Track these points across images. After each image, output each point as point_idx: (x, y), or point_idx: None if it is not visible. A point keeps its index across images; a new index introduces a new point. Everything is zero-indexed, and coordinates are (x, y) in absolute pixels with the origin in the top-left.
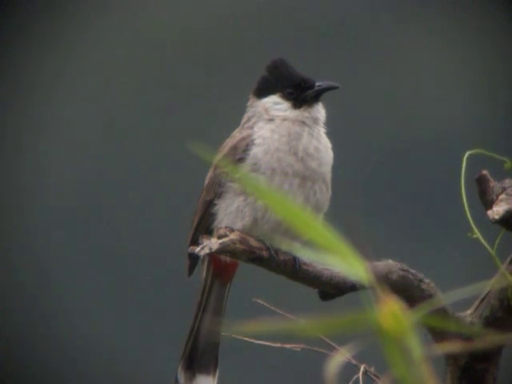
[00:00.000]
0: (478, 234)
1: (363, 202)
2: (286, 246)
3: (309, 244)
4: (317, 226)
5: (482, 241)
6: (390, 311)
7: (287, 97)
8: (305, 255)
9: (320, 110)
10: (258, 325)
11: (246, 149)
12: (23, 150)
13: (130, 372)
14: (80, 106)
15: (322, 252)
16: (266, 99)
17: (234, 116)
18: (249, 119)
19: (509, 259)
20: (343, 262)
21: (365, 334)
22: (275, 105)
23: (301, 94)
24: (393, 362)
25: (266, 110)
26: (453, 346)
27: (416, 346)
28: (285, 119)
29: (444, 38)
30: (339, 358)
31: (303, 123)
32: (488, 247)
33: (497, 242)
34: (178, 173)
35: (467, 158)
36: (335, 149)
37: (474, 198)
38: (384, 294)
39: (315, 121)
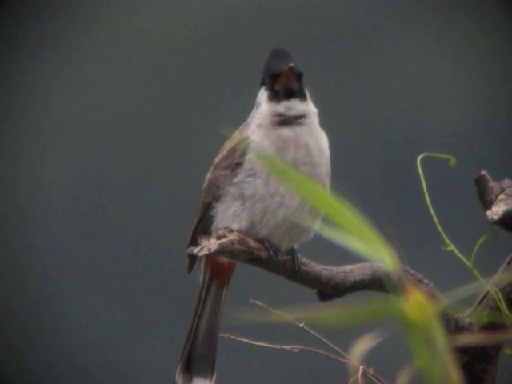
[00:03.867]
0: (452, 247)
1: (361, 202)
2: (285, 247)
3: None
4: (342, 209)
5: (458, 253)
6: (416, 301)
7: (267, 87)
8: (329, 236)
9: (289, 106)
10: (284, 312)
11: (244, 153)
12: (24, 150)
13: (130, 372)
14: (81, 106)
15: (347, 235)
16: (260, 91)
17: (234, 117)
18: (250, 117)
19: (508, 259)
20: (369, 246)
21: (379, 328)
22: (261, 96)
23: (274, 84)
24: (417, 352)
25: (257, 105)
26: (467, 339)
27: (440, 336)
28: (271, 123)
29: (444, 39)
30: (365, 343)
31: (284, 135)
32: (465, 259)
33: (474, 251)
34: (178, 173)
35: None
36: (335, 149)
37: (473, 199)
38: (409, 284)
39: (284, 116)
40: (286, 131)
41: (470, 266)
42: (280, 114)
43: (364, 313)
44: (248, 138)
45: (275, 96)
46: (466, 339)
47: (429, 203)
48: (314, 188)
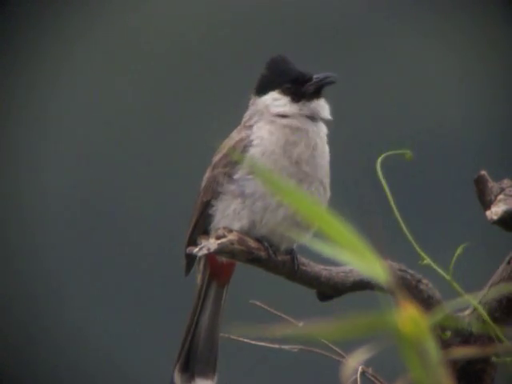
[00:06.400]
0: (428, 260)
1: (359, 202)
2: (284, 246)
3: (317, 240)
4: (332, 222)
5: (434, 266)
6: (409, 315)
7: (286, 92)
8: (320, 250)
9: (320, 105)
10: (272, 330)
11: (244, 150)
12: (24, 150)
13: (130, 372)
14: (83, 106)
15: (338, 249)
16: (266, 96)
17: (234, 117)
18: (250, 118)
19: (507, 259)
20: (360, 259)
21: (376, 337)
22: (274, 101)
23: (299, 88)
24: (410, 365)
25: (267, 107)
26: (459, 352)
27: (434, 349)
28: (284, 116)
29: (445, 39)
30: (353, 362)
31: (298, 129)
32: (442, 272)
33: (452, 263)
34: (177, 173)
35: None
36: (335, 149)
37: (472, 199)
38: (402, 297)
39: (315, 115)
40: (299, 128)
41: (448, 280)
42: (312, 112)
43: (359, 327)
44: (251, 135)
45: (301, 97)
46: (459, 351)
47: (397, 212)
48: (306, 201)
